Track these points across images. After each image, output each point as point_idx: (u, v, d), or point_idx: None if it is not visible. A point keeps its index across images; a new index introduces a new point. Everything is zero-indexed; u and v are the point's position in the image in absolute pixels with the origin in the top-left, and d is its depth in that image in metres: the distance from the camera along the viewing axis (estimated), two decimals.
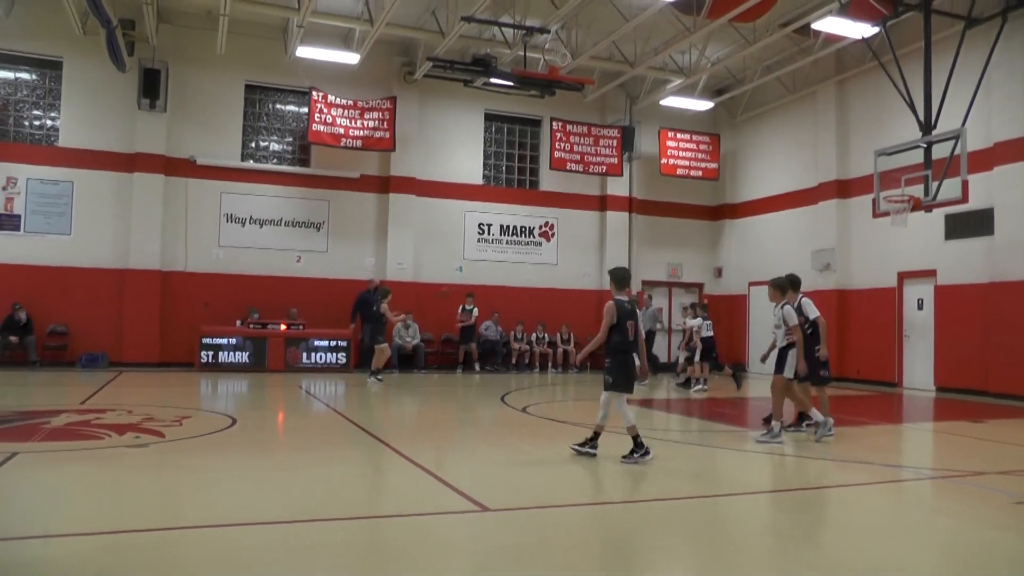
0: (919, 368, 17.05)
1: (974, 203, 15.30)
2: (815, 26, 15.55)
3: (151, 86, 17.07)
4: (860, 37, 15.87)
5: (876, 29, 15.28)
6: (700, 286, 23.29)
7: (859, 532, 5.41)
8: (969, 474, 7.57)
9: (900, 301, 17.62)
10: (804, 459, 8.29)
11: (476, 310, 18.84)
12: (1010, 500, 6.38)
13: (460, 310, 18.83)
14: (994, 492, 6.71)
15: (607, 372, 7.42)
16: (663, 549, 4.81)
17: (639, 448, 7.27)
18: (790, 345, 9.09)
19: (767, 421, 9.85)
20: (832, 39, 16.82)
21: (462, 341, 18.97)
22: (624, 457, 7.30)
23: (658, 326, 18.84)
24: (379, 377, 14.57)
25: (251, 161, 18.73)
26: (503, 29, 16.54)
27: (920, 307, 17.19)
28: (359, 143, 18.41)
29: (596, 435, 7.53)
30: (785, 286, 9.28)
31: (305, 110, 18.46)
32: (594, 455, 7.41)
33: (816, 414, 9.23)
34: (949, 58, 14.41)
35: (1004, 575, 4.67)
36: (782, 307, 9.14)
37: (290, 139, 19.25)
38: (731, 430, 10.25)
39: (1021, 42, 15.09)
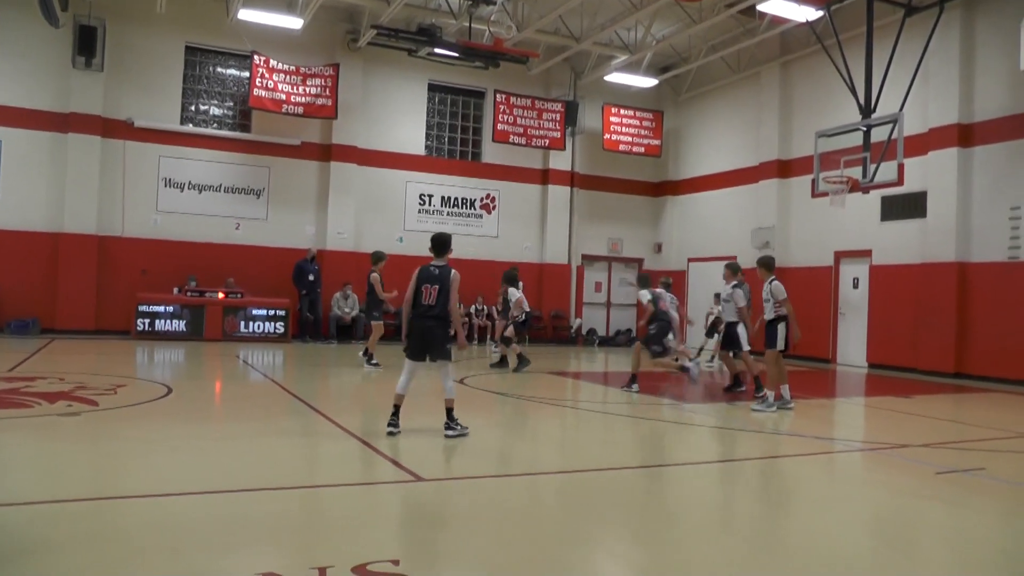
0: (853, 345, 17.53)
1: (909, 186, 15.72)
2: (760, 8, 15.72)
3: (87, 44, 16.48)
4: (804, 20, 16.10)
5: (820, 13, 15.50)
6: (640, 261, 23.54)
7: (790, 503, 5.58)
8: (895, 446, 7.85)
9: (836, 280, 18.06)
10: (740, 432, 8.49)
11: None
12: (933, 471, 6.63)
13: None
14: (918, 464, 6.97)
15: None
16: (598, 518, 4.88)
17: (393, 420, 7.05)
18: (778, 319, 9.76)
19: (728, 390, 11.45)
20: (777, 21, 17.03)
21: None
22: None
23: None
24: (374, 362, 12.76)
25: (191, 125, 18.31)
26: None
27: (855, 286, 17.66)
28: (301, 110, 18.10)
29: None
30: (771, 264, 10.31)
31: (247, 74, 18.09)
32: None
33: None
34: (889, 44, 14.71)
35: (927, 542, 4.86)
36: (770, 283, 9.90)
37: (231, 104, 18.85)
38: (671, 404, 10.42)
39: (956, 32, 15.51)
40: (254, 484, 5.19)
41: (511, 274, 14.08)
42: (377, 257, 13.01)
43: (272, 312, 17.46)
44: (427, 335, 7.14)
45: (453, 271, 7.22)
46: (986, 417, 10.46)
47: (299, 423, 7.94)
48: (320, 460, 6.41)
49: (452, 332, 7.30)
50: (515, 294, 13.68)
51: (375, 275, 12.74)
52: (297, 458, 6.32)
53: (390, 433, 6.97)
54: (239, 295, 17.27)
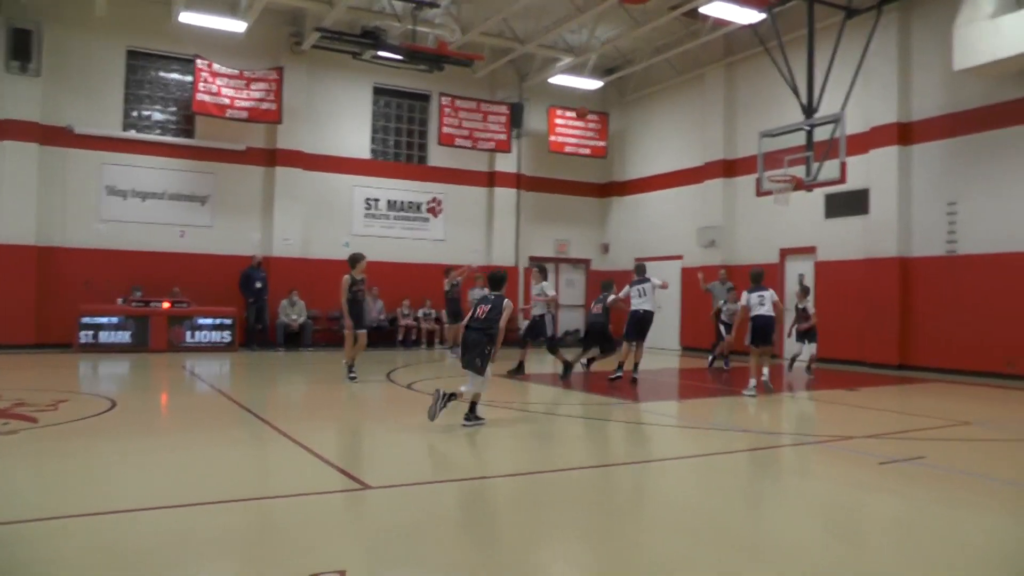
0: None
1: (852, 183, 16.10)
2: (703, 10, 15.87)
3: (21, 47, 16.07)
4: (747, 23, 16.34)
5: (763, 16, 15.73)
6: (587, 262, 23.68)
7: (739, 499, 5.64)
8: (841, 439, 8.00)
9: (782, 276, 18.35)
10: (686, 428, 8.57)
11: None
12: (876, 461, 6.77)
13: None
14: (862, 455, 7.11)
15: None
16: (547, 521, 4.88)
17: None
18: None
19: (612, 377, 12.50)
20: (720, 23, 17.24)
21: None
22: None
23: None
24: (352, 374, 11.71)
25: (133, 131, 17.92)
26: (393, 2, 16.30)
27: (801, 282, 17.92)
28: (245, 114, 17.88)
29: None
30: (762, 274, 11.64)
31: (190, 79, 17.77)
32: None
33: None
34: (831, 46, 15.02)
35: (871, 531, 4.95)
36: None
37: (174, 109, 18.51)
38: (619, 403, 10.48)
39: (894, 34, 15.88)
40: (200, 498, 5.10)
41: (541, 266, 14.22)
42: (354, 260, 11.79)
43: (219, 321, 17.18)
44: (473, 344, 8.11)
45: (506, 300, 8.24)
46: (927, 407, 10.72)
47: (246, 433, 7.82)
48: (267, 471, 6.33)
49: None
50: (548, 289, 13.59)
51: (347, 277, 11.55)
52: (244, 470, 6.23)
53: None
54: (185, 304, 16.97)
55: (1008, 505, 5.53)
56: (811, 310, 13.55)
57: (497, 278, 8.61)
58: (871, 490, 5.91)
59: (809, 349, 13.60)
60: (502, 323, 8.07)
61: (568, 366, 13.05)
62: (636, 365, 12.50)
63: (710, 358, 15.54)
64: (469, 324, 8.22)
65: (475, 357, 7.98)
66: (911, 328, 15.70)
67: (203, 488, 5.43)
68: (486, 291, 8.52)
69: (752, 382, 11.12)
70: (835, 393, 12.03)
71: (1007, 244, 14.27)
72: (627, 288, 12.85)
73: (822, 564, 4.18)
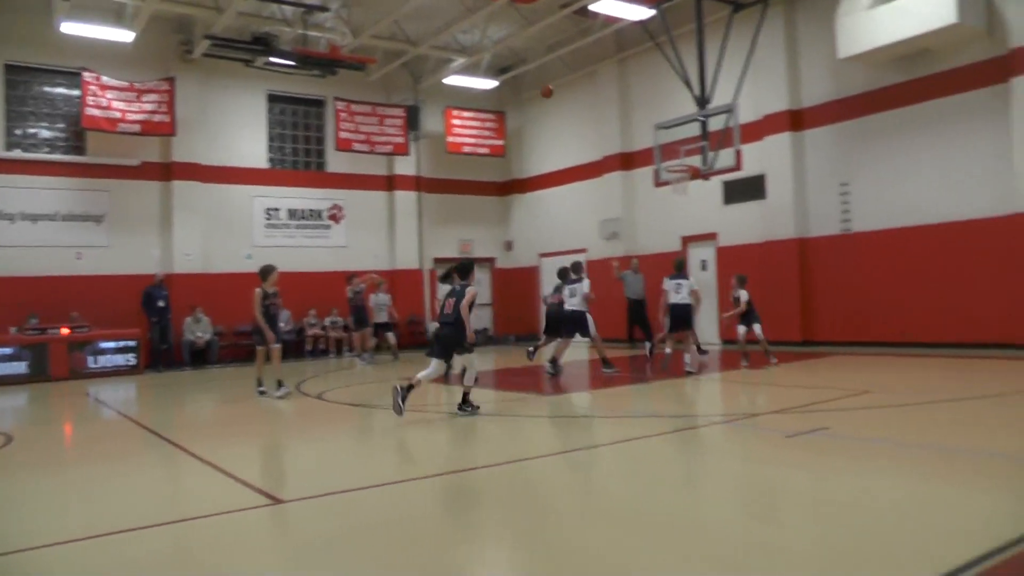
0: (705, 324, 18.14)
1: (748, 170, 16.61)
2: (593, 8, 16.02)
3: None
4: (637, 19, 16.63)
5: (652, 12, 16.01)
6: (492, 260, 23.79)
7: (651, 483, 5.73)
8: (747, 416, 8.25)
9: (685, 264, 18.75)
10: (594, 418, 8.71)
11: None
12: (782, 436, 6.99)
13: None
14: (768, 431, 7.35)
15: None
16: (467, 522, 4.88)
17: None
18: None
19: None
20: (611, 20, 17.47)
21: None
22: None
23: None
24: (261, 388, 11.47)
25: (18, 150, 17.18)
26: (283, 7, 16.04)
27: (704, 268, 18.41)
28: (138, 127, 17.34)
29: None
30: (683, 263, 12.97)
31: (77, 93, 17.14)
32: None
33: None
34: (720, 39, 15.44)
35: (784, 505, 5.11)
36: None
37: (62, 125, 17.81)
38: (523, 397, 10.56)
39: (781, 26, 16.46)
40: (108, 528, 4.90)
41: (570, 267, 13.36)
42: (262, 273, 11.41)
43: (122, 344, 16.57)
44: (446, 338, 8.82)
45: (469, 287, 8.87)
46: (829, 379, 11.14)
47: (155, 458, 7.59)
48: (178, 495, 6.16)
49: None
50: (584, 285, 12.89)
51: (257, 291, 11.19)
52: (153, 496, 6.04)
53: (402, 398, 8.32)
54: (85, 329, 16.31)
55: (911, 467, 5.75)
56: (743, 298, 13.20)
57: (465, 267, 9.17)
58: (779, 464, 6.08)
59: (757, 329, 13.08)
60: (463, 305, 8.63)
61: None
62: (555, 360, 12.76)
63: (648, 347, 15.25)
64: (441, 320, 8.92)
65: (453, 348, 8.74)
66: (812, 306, 16.29)
67: (111, 518, 5.23)
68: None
69: (687, 358, 12.35)
70: (741, 373, 12.38)
71: (897, 220, 14.94)
72: (556, 288, 13.21)
73: (738, 541, 4.26)
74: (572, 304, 12.65)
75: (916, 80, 14.61)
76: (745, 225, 17.45)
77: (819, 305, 16.20)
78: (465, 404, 8.82)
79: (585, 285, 12.60)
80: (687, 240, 18.84)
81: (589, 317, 12.61)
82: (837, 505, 4.92)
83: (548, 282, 21.50)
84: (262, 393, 11.38)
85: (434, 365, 8.79)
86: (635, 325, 17.53)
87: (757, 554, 4.05)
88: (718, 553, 4.06)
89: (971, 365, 12.02)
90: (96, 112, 16.85)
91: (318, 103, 21.03)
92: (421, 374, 8.63)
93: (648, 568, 3.86)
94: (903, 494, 5.08)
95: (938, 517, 4.52)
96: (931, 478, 5.43)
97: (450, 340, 8.74)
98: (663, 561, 3.97)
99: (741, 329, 13.14)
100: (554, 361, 12.89)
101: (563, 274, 13.28)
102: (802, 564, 3.87)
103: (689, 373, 12.11)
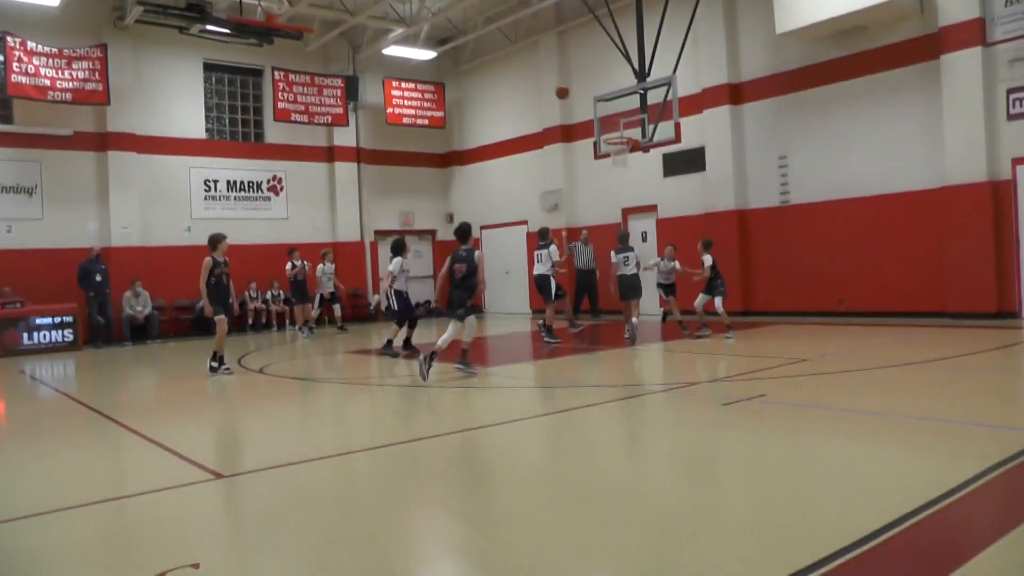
0: (647, 295, 18.43)
1: (688, 143, 16.79)
2: None
3: None
4: None
5: None
6: (433, 233, 23.75)
7: (588, 452, 5.86)
8: (685, 385, 8.45)
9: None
10: (538, 388, 8.82)
11: None
12: (719, 403, 7.19)
13: None
14: (706, 399, 7.54)
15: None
16: (408, 492, 4.89)
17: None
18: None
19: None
20: None
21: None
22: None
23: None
24: (225, 367, 10.88)
25: None
26: None
27: (644, 239, 18.63)
28: (69, 96, 16.84)
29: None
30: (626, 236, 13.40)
31: (1, 59, 16.42)
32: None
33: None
34: (659, 12, 15.50)
35: (714, 469, 5.26)
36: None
37: None
38: (471, 370, 10.62)
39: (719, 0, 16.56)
40: (44, 507, 4.84)
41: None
42: (211, 241, 10.88)
43: (58, 319, 16.18)
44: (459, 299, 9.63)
45: (477, 252, 9.74)
46: (767, 348, 11.40)
47: (94, 435, 7.49)
48: (117, 471, 6.12)
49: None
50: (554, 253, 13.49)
51: (207, 260, 10.70)
52: (92, 473, 5.98)
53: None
54: (18, 304, 15.87)
55: (844, 431, 5.95)
56: (707, 263, 12.98)
57: (463, 231, 9.83)
58: (716, 429, 6.26)
59: (718, 302, 12.81)
60: (481, 275, 9.64)
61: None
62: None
63: (663, 318, 15.44)
64: (454, 284, 9.67)
65: (458, 308, 9.52)
66: (752, 276, 16.64)
67: (48, 496, 5.17)
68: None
69: (627, 326, 12.83)
70: (679, 343, 12.60)
71: (833, 192, 15.30)
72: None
73: (675, 503, 4.37)
74: (538, 269, 13.40)
75: (852, 56, 14.91)
76: (685, 197, 17.69)
77: (758, 276, 16.55)
78: (463, 362, 9.63)
79: (553, 251, 13.24)
80: (627, 212, 19.03)
81: (553, 282, 13.25)
82: (771, 466, 5.10)
83: (490, 253, 21.65)
84: (215, 370, 10.78)
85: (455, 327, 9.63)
86: (584, 295, 17.80)
87: (695, 515, 4.17)
88: (657, 515, 4.16)
89: (904, 333, 12.38)
90: (23, 79, 16.28)
91: (256, 72, 20.64)
92: (440, 340, 9.44)
93: (589, 531, 3.95)
94: (833, 456, 5.27)
95: (866, 477, 4.69)
96: (860, 440, 5.64)
97: (459, 301, 9.61)
98: (603, 525, 4.04)
99: (701, 297, 13.02)
100: (550, 329, 13.21)
101: (543, 233, 14.00)
102: (738, 524, 3.99)
103: (630, 342, 12.36)
